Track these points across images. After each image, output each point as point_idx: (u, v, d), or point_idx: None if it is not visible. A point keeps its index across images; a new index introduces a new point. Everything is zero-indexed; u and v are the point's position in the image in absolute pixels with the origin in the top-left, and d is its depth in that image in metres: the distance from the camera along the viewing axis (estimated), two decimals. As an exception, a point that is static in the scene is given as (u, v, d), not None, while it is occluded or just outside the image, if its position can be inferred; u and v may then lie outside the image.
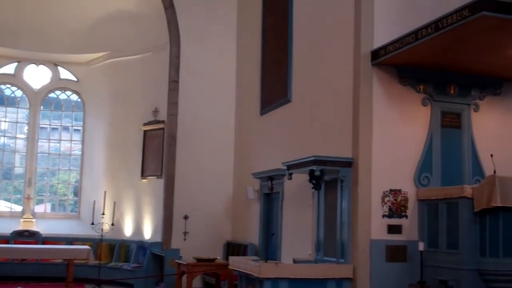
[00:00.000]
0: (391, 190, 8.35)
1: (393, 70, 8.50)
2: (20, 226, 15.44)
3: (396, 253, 8.28)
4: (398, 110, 8.53)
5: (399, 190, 8.39)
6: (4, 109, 16.95)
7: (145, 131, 14.95)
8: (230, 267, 9.65)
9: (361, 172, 8.30)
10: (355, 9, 8.68)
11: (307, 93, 10.40)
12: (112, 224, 13.55)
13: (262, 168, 11.89)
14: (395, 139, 8.46)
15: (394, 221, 8.33)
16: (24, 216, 15.71)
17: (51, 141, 17.17)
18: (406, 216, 8.39)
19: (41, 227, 15.55)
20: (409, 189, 8.45)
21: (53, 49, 16.33)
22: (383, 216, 8.29)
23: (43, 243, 14.63)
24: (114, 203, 14.01)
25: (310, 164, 8.66)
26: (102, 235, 13.39)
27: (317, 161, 8.54)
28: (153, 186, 14.53)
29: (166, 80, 14.27)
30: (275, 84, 11.97)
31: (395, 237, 8.30)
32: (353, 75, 8.62)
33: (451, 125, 8.79)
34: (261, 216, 12.06)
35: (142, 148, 14.98)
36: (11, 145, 16.99)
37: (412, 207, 8.43)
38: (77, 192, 16.88)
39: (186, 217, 13.81)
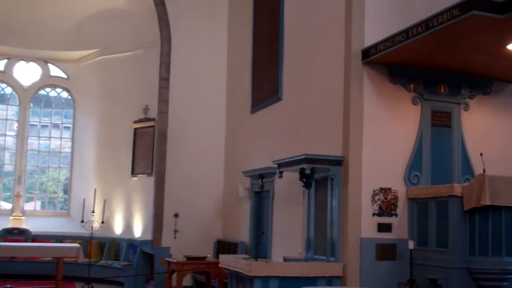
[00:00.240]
0: (381, 188, 8.37)
1: (384, 68, 8.51)
2: (9, 224, 15.35)
3: (386, 251, 8.29)
4: (388, 108, 8.54)
5: (389, 189, 8.41)
6: (-7, 106, 16.88)
7: (135, 129, 14.91)
8: (220, 265, 9.65)
9: (351, 171, 8.31)
10: (346, 7, 8.69)
11: (298, 92, 10.40)
12: (102, 222, 13.51)
13: (253, 166, 11.89)
14: (386, 137, 8.47)
15: (384, 220, 8.35)
16: (14, 214, 15.63)
17: (41, 138, 17.09)
18: (396, 215, 8.42)
19: (31, 225, 15.47)
20: (399, 187, 8.47)
21: (43, 46, 16.25)
22: (373, 214, 8.31)
23: (33, 241, 14.57)
24: (104, 201, 13.98)
25: (300, 163, 8.66)
26: (92, 233, 13.35)
27: (308, 160, 8.54)
28: (144, 184, 14.49)
29: (157, 78, 14.23)
30: (266, 82, 11.97)
31: (385, 236, 8.32)
32: (344, 73, 8.63)
33: (441, 124, 8.82)
34: (252, 215, 12.07)
35: (132, 146, 14.94)
36: (1, 142, 16.88)
37: (402, 206, 8.45)
38: (67, 190, 16.82)
39: (176, 215, 13.79)
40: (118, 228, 15.12)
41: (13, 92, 16.82)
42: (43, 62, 16.88)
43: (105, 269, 13.99)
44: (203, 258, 11.09)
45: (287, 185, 10.21)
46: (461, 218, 7.67)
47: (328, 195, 8.71)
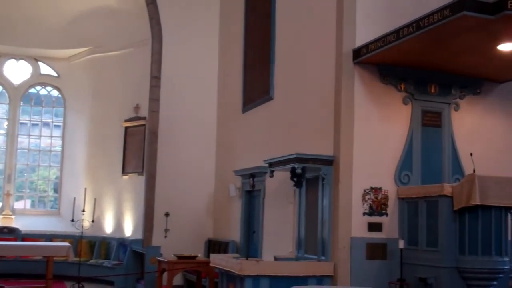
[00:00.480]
0: (371, 188, 8.39)
1: (375, 68, 8.53)
2: (-1, 222, 15.31)
3: (376, 250, 8.31)
4: (379, 108, 8.57)
5: (380, 188, 8.43)
6: (-17, 104, 16.80)
7: (126, 128, 14.88)
8: (211, 264, 9.65)
9: (342, 170, 8.33)
10: (337, 7, 8.70)
11: (289, 91, 10.41)
12: (93, 221, 13.46)
13: (244, 165, 11.88)
14: (376, 137, 8.49)
15: (375, 219, 8.37)
16: (4, 213, 15.55)
17: (31, 137, 17.03)
18: (387, 214, 8.44)
19: (21, 224, 15.40)
20: (389, 187, 8.49)
21: (34, 44, 16.19)
22: (364, 214, 8.33)
23: (23, 240, 14.52)
24: (95, 199, 13.93)
25: (291, 162, 8.67)
26: (82, 232, 13.32)
27: (299, 159, 8.55)
28: (134, 183, 14.46)
29: (148, 76, 14.20)
30: (257, 81, 11.97)
31: (375, 235, 8.34)
32: (335, 73, 8.64)
33: (431, 124, 8.84)
34: (243, 214, 12.07)
35: (123, 145, 14.91)
36: (-9, 141, 16.84)
37: (392, 205, 8.48)
38: (57, 189, 16.75)
39: (167, 214, 13.77)
40: (108, 227, 15.09)
41: (3, 90, 16.75)
42: (34, 60, 16.81)
43: (96, 268, 13.95)
44: (194, 257, 11.07)
45: (278, 185, 10.22)
46: (451, 217, 7.70)
47: (319, 194, 8.72)
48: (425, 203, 8.04)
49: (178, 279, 12.75)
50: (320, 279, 8.28)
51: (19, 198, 16.77)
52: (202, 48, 14.51)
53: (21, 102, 16.86)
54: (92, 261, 14.36)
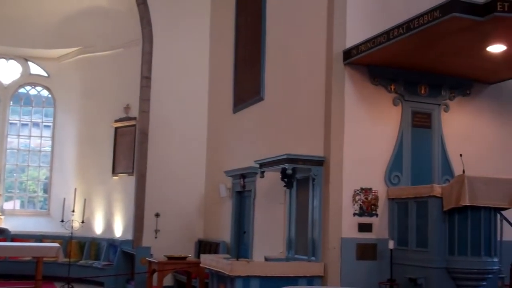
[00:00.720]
0: (362, 188, 8.41)
1: (365, 69, 8.55)
2: (-12, 223, 15.22)
3: (366, 251, 8.34)
4: (369, 109, 8.59)
5: (370, 189, 8.45)
6: (-28, 104, 16.69)
7: (116, 128, 14.83)
8: (201, 265, 9.64)
9: (332, 171, 8.34)
10: (328, 8, 8.72)
11: (280, 91, 10.42)
12: (82, 222, 13.41)
13: (235, 166, 11.88)
14: (367, 138, 8.51)
15: (365, 220, 8.39)
16: (-7, 213, 15.51)
17: (21, 137, 16.94)
18: (377, 215, 8.46)
19: (10, 224, 15.31)
20: (379, 188, 8.51)
21: (24, 44, 16.11)
22: (354, 214, 8.34)
23: (12, 241, 14.42)
24: (85, 200, 13.89)
25: (282, 162, 8.68)
26: (72, 233, 13.25)
27: (289, 160, 8.57)
28: (124, 183, 14.42)
29: (138, 77, 14.17)
30: (248, 82, 11.97)
31: (365, 236, 8.36)
32: (325, 74, 8.65)
33: (421, 124, 8.87)
34: (233, 214, 12.06)
35: (113, 145, 14.86)
36: (-20, 141, 16.73)
37: (382, 206, 8.50)
38: (47, 189, 16.67)
39: (157, 215, 13.75)
40: (98, 228, 15.04)
41: (-7, 90, 16.67)
42: (23, 60, 16.73)
43: (85, 269, 13.90)
44: (184, 258, 11.06)
45: (268, 185, 10.23)
46: (441, 218, 7.73)
47: (309, 195, 8.73)
48: (415, 204, 8.07)
49: (168, 280, 12.74)
50: (310, 280, 8.29)
51: (8, 199, 16.67)
52: (192, 49, 14.50)
53: (11, 102, 16.77)
54: (82, 262, 14.30)
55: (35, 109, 17.02)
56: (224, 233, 12.52)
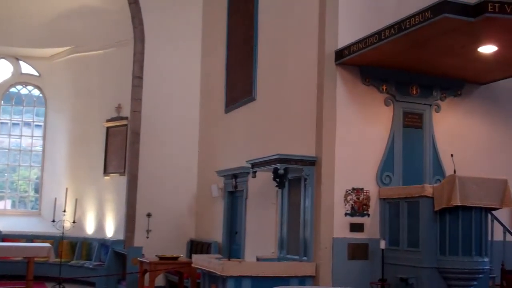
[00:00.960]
0: (353, 188, 8.43)
1: (357, 70, 8.57)
2: (-21, 223, 15.15)
3: (358, 251, 8.35)
4: (361, 109, 8.61)
5: (362, 189, 8.47)
6: (-37, 103, 16.62)
7: (108, 128, 14.79)
8: (193, 265, 9.62)
9: (324, 171, 8.35)
10: (320, 9, 8.73)
11: (272, 92, 10.43)
12: (74, 222, 13.35)
13: (227, 166, 11.88)
14: (358, 138, 8.53)
15: (356, 220, 8.41)
16: (-17, 213, 15.44)
17: (12, 136, 16.86)
18: (368, 215, 8.48)
19: (1, 225, 15.23)
20: (371, 188, 8.53)
21: (15, 43, 16.03)
22: (346, 214, 8.36)
23: (3, 241, 14.33)
24: (76, 200, 13.83)
25: (274, 162, 8.68)
26: (63, 233, 13.22)
27: (281, 160, 8.57)
28: (116, 183, 14.39)
29: (130, 76, 14.14)
30: (240, 82, 11.97)
31: (357, 235, 8.38)
32: (317, 74, 8.66)
33: (412, 125, 8.90)
34: (225, 214, 12.06)
35: (104, 145, 14.82)
36: (-30, 140, 16.67)
37: (374, 206, 8.52)
38: (38, 189, 16.62)
39: (149, 215, 13.72)
40: (90, 228, 14.99)
41: (-17, 89, 16.59)
42: (14, 59, 16.65)
43: (77, 269, 13.85)
44: (176, 258, 11.03)
45: (260, 185, 10.23)
46: (432, 218, 7.75)
47: (301, 195, 8.74)
48: (406, 204, 8.09)
49: (160, 280, 12.71)
50: (302, 280, 8.30)
51: (-1, 199, 16.63)
52: (184, 48, 14.48)
53: (2, 101, 16.70)
54: (73, 262, 14.25)
55: (26, 108, 16.96)
56: (216, 233, 12.52)
